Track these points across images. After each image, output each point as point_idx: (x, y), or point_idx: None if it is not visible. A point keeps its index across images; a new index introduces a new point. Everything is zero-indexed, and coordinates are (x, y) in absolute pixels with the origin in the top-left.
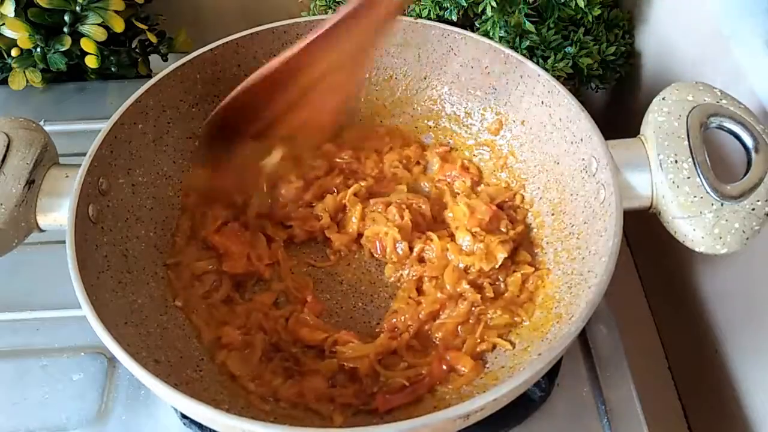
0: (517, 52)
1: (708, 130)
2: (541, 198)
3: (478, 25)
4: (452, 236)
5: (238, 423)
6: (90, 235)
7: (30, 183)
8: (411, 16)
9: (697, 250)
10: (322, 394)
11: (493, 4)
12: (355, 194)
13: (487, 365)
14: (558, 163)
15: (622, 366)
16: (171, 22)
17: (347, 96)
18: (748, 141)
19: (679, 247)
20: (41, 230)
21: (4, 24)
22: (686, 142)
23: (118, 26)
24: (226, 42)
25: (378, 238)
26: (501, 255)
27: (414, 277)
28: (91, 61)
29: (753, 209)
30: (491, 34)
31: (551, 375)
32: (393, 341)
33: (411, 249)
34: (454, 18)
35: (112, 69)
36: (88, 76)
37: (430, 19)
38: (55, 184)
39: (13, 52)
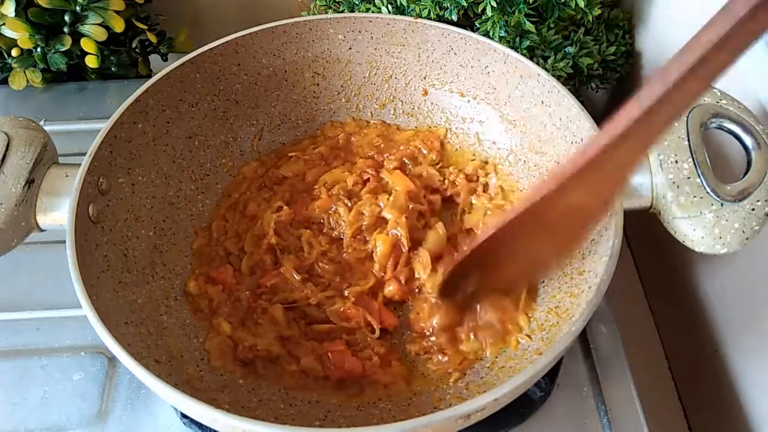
0: (517, 52)
1: (708, 130)
2: None
3: (478, 25)
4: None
5: (239, 423)
6: (90, 234)
7: (30, 182)
8: (411, 15)
9: (697, 250)
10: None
11: (493, 4)
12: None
13: (487, 365)
14: (558, 163)
15: (622, 366)
16: (171, 22)
17: (592, 221)
18: (748, 141)
19: (679, 247)
20: (41, 230)
21: (4, 24)
22: (686, 143)
23: (118, 26)
24: (226, 42)
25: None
26: None
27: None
28: (91, 61)
29: (753, 209)
30: (491, 34)
31: (551, 375)
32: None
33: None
34: (454, 18)
35: (112, 69)
36: (88, 76)
37: (430, 19)
38: (55, 184)
39: (14, 52)
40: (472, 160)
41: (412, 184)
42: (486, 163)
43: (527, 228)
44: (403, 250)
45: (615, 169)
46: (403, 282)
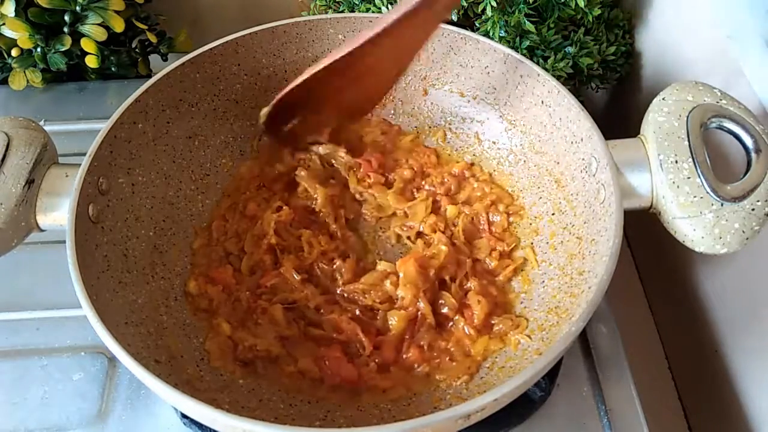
0: (517, 52)
1: (708, 130)
2: (540, 198)
3: (478, 25)
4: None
5: (239, 423)
6: (90, 235)
7: (30, 182)
8: None
9: (697, 250)
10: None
11: (493, 4)
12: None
13: (487, 365)
14: (558, 163)
15: (622, 366)
16: (171, 22)
17: (391, 82)
18: (748, 141)
19: (679, 247)
20: (41, 230)
21: (4, 24)
22: (686, 142)
23: (118, 26)
24: (226, 42)
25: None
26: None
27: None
28: (91, 61)
29: (753, 209)
30: (491, 34)
31: (551, 375)
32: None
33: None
34: (454, 18)
35: (112, 69)
36: (88, 76)
37: None
38: (55, 184)
39: (14, 52)
40: (458, 162)
41: (419, 266)
42: (471, 164)
43: (339, 75)
44: (430, 322)
45: (407, 43)
46: (426, 349)
